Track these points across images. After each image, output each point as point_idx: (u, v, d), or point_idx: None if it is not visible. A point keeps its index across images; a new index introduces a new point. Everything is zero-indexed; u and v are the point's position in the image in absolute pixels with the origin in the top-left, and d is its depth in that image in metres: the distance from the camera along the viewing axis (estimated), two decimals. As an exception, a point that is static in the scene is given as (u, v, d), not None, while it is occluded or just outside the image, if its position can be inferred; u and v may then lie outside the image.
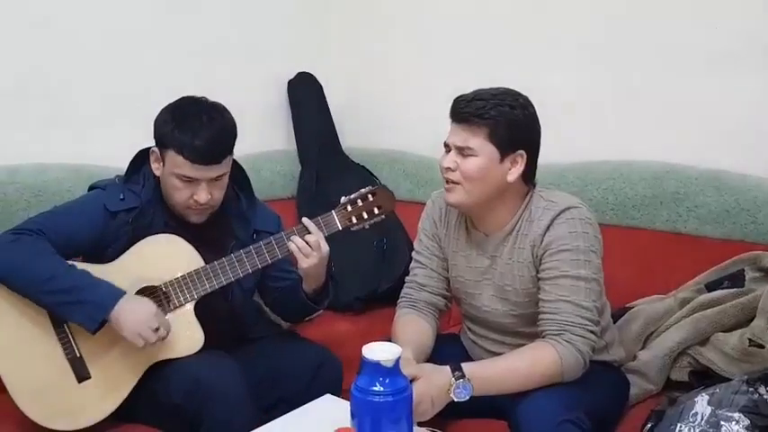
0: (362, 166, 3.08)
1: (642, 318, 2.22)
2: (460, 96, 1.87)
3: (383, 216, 2.03)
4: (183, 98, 2.02)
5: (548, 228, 1.84)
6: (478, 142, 1.83)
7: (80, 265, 1.96)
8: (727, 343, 2.05)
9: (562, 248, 1.82)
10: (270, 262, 1.99)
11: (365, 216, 2.01)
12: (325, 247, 1.97)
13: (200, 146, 1.92)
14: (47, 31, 2.49)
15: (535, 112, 1.88)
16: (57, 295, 1.88)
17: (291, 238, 1.96)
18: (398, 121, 3.11)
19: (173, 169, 1.95)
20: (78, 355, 1.94)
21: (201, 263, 1.98)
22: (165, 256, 1.99)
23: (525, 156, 1.85)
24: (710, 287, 2.20)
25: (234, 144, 2.02)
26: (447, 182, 1.88)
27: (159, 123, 1.99)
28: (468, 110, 1.83)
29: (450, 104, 1.90)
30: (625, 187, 2.45)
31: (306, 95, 3.14)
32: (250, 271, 1.98)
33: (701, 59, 2.41)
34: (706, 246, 2.32)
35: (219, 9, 2.92)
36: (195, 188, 1.96)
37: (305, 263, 1.96)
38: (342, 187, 2.94)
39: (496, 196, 1.88)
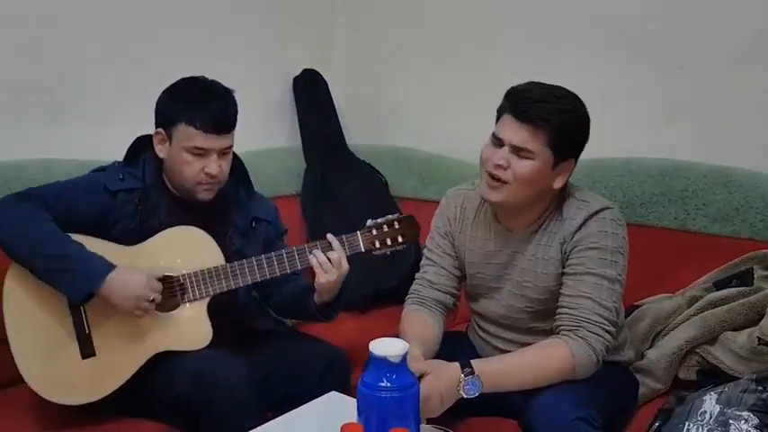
0: (368, 164, 3.08)
1: (650, 316, 2.21)
2: (524, 93, 1.81)
3: (405, 245, 2.06)
4: (183, 79, 2.05)
5: (580, 227, 1.83)
6: (538, 146, 1.78)
7: (109, 245, 1.97)
8: (735, 342, 2.04)
9: (591, 246, 1.81)
10: (289, 271, 2.01)
11: (389, 242, 2.04)
12: (346, 266, 1.99)
13: (211, 115, 1.97)
14: (52, 28, 2.49)
15: (588, 116, 1.85)
16: (47, 261, 1.89)
17: (313, 252, 1.98)
18: (404, 119, 3.11)
19: (183, 143, 1.97)
20: (87, 331, 1.95)
21: (222, 261, 2.00)
22: (189, 249, 2.00)
23: (573, 163, 1.85)
24: (719, 285, 2.19)
25: (237, 116, 2.04)
26: (493, 178, 1.83)
27: (164, 102, 2.03)
28: (533, 111, 1.77)
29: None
30: (633, 185, 2.44)
31: (311, 92, 3.14)
32: (268, 276, 2.00)
33: (709, 57, 2.40)
34: (714, 244, 2.30)
35: (225, 6, 2.92)
36: (206, 161, 1.98)
37: (323, 278, 1.97)
38: (347, 184, 2.98)
39: (537, 199, 1.86)
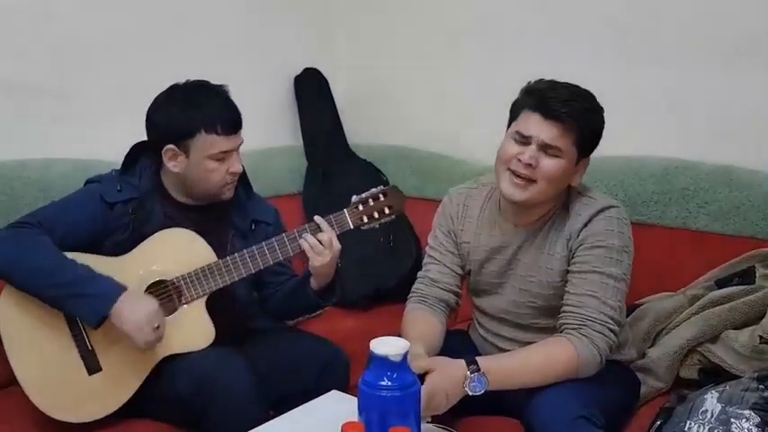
0: (369, 163, 3.08)
1: (651, 315, 2.21)
2: (550, 91, 1.81)
3: (393, 216, 2.04)
4: (173, 90, 2.02)
5: (586, 224, 1.83)
6: (566, 143, 1.79)
7: (94, 257, 1.95)
8: (737, 340, 2.04)
9: (597, 244, 1.81)
10: (281, 259, 2.00)
11: (376, 216, 2.02)
12: (337, 246, 1.98)
13: (227, 115, 1.98)
14: (54, 27, 2.49)
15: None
16: (58, 288, 1.87)
17: (303, 235, 1.97)
18: (405, 118, 3.11)
19: (206, 152, 1.96)
20: (90, 347, 1.94)
21: (214, 258, 1.98)
22: (178, 250, 1.99)
23: (588, 161, 1.87)
24: (721, 284, 2.19)
25: None
26: (518, 177, 1.81)
27: (172, 117, 1.98)
28: (565, 110, 1.78)
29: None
30: (635, 183, 2.44)
31: (312, 91, 3.14)
32: (262, 267, 1.99)
33: (711, 55, 2.39)
34: (716, 242, 2.30)
35: (225, 5, 2.92)
36: (229, 161, 1.99)
37: (317, 261, 1.96)
38: (348, 183, 2.97)
39: (555, 196, 1.87)
